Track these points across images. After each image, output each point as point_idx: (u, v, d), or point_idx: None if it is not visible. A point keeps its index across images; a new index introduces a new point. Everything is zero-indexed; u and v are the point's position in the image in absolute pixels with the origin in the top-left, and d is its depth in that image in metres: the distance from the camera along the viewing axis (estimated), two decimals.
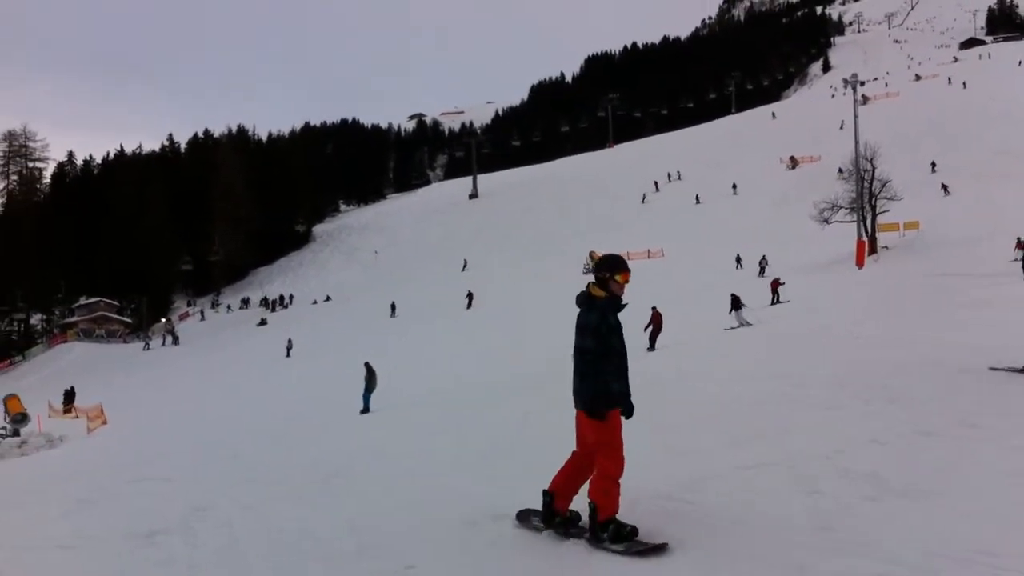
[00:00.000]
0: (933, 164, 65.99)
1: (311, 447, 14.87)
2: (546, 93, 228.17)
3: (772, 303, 34.19)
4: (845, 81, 59.58)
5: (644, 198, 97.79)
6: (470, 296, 60.38)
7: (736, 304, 29.94)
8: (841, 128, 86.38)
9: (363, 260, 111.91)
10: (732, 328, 28.05)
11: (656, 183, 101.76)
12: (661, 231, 77.16)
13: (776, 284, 35.85)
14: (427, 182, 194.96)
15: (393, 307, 67.66)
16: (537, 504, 6.60)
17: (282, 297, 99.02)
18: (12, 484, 15.78)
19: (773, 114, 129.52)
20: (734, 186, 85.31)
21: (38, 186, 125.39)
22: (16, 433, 30.20)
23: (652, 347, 26.02)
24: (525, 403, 15.27)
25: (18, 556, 8.25)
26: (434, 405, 20.16)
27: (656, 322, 26.94)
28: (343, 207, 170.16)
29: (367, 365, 25.46)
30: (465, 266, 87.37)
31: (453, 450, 11.53)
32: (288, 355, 53.71)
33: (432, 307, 63.10)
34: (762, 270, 45.26)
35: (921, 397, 9.59)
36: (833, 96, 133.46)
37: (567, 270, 70.27)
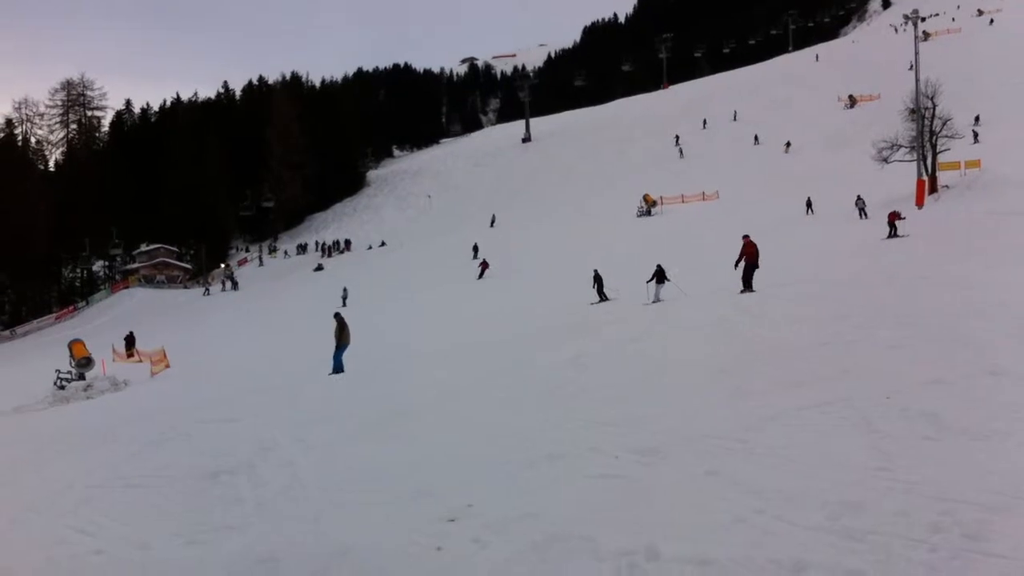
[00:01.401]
0: (977, 118, 62.90)
1: (371, 389, 15.05)
2: (599, 35, 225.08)
3: (889, 236, 31.84)
4: (905, 17, 57.97)
5: (682, 153, 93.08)
6: (484, 266, 52.98)
7: (660, 276, 27.31)
8: (910, 68, 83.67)
9: (417, 205, 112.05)
10: (654, 302, 25.58)
11: (677, 137, 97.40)
12: (717, 173, 76.28)
13: (894, 217, 32.78)
14: (479, 126, 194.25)
15: (476, 249, 63.19)
16: (589, 444, 6.58)
17: (337, 243, 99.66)
18: (80, 426, 16.19)
19: (816, 56, 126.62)
20: (787, 144, 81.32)
21: (97, 135, 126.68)
22: (82, 377, 30.88)
23: (748, 287, 22.18)
24: (578, 346, 15.30)
25: (90, 495, 8.50)
26: (491, 347, 20.25)
27: (749, 254, 22.78)
28: (396, 152, 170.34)
29: (337, 316, 22.25)
30: (494, 222, 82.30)
31: (510, 392, 11.60)
32: (344, 304, 51.14)
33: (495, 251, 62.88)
34: (862, 211, 42.97)
35: (987, 338, 9.45)
36: (897, 32, 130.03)
37: (622, 212, 69.94)
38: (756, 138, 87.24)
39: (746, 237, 23.43)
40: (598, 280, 32.13)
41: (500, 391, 11.88)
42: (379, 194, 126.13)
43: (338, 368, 20.94)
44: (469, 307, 36.78)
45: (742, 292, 21.68)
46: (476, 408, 10.68)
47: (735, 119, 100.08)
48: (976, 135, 56.02)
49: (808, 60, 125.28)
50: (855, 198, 43.40)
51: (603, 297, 31.64)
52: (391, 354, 23.40)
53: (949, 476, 5.35)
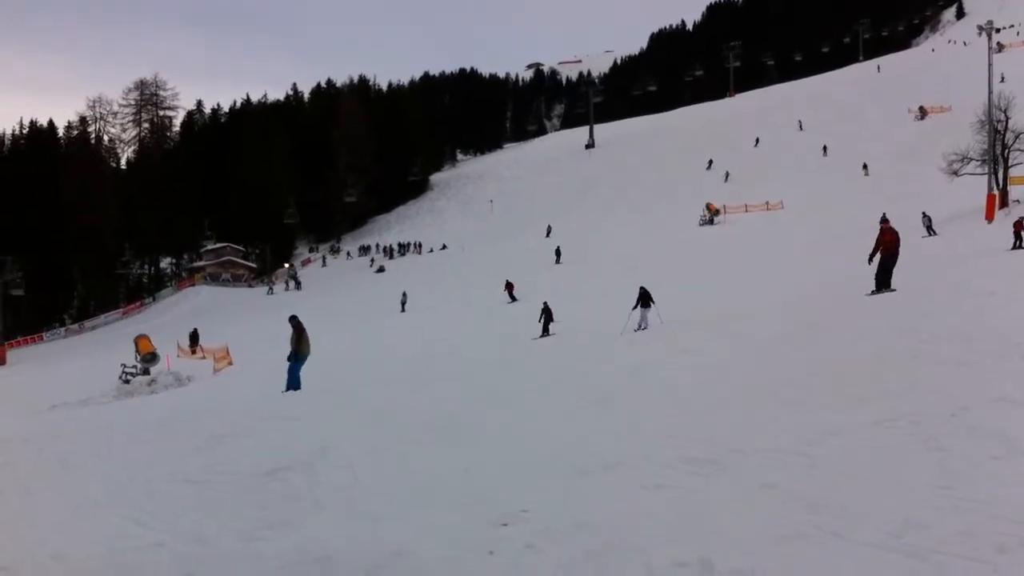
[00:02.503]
0: None
1: (427, 392, 15.11)
2: (666, 42, 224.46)
3: (1014, 247, 29.08)
4: (980, 28, 56.85)
5: (727, 177, 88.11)
6: (509, 288, 47.67)
7: (645, 300, 26.06)
8: (1003, 81, 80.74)
9: (479, 210, 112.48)
10: (637, 330, 24.43)
11: (711, 161, 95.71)
12: (783, 183, 75.53)
13: (1020, 226, 30.04)
14: (544, 131, 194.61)
15: (558, 253, 63.19)
16: (645, 454, 6.54)
17: (401, 245, 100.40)
18: (143, 421, 16.46)
19: (879, 68, 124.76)
20: (865, 166, 76.71)
21: (168, 134, 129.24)
22: (147, 372, 31.49)
23: (884, 286, 18.90)
24: (638, 355, 15.23)
25: (151, 489, 8.63)
26: (545, 355, 20.25)
27: (888, 243, 19.21)
28: (460, 156, 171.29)
29: (294, 321, 19.08)
30: (549, 232, 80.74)
31: (565, 399, 11.59)
32: (403, 310, 52.11)
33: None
34: (929, 229, 41.61)
35: None
36: (966, 44, 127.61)
37: (684, 221, 69.54)
38: (825, 149, 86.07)
39: (885, 223, 19.72)
40: (546, 312, 30.37)
41: (555, 398, 11.87)
42: (442, 198, 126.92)
43: (294, 383, 18.03)
44: (526, 314, 36.76)
45: (874, 293, 18.69)
46: (531, 415, 10.68)
47: (801, 128, 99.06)
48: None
49: (877, 70, 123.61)
50: (920, 214, 42.01)
51: (546, 332, 29.61)
52: (446, 359, 23.47)
53: (1016, 497, 5.23)
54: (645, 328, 24.47)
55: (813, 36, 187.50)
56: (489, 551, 5.55)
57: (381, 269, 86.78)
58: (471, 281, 60.23)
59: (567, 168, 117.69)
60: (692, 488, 6.33)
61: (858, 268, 21.50)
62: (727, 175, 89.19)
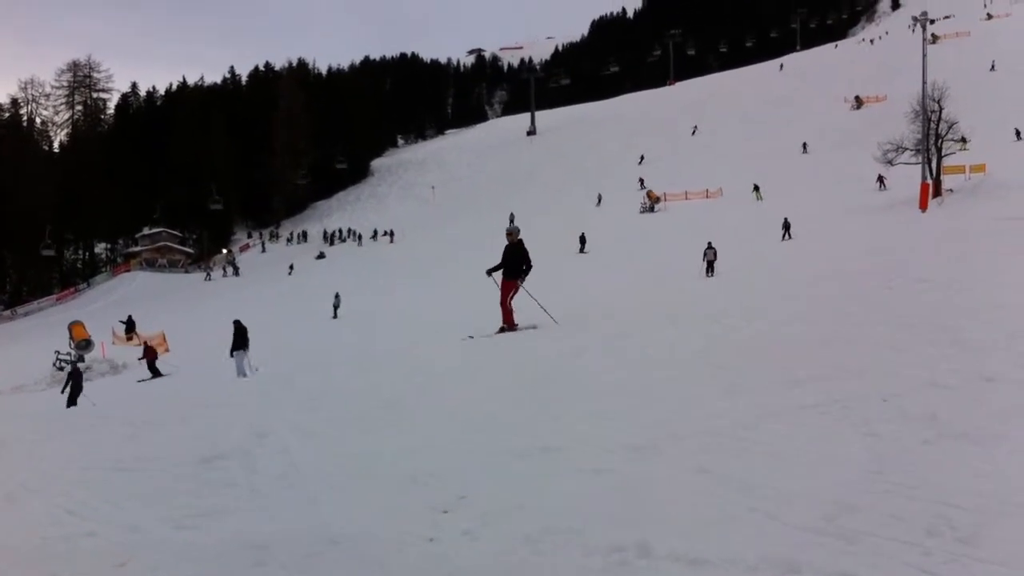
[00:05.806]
0: (1018, 132, 61.30)
1: (365, 377, 15.01)
2: (607, 29, 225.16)
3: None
4: (914, 19, 57.90)
5: (599, 200, 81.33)
6: (150, 355, 31.05)
7: (241, 340, 22.57)
8: (992, 69, 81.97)
9: (420, 196, 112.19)
10: (240, 376, 20.85)
11: (642, 156, 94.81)
12: (722, 171, 76.21)
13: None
14: (485, 118, 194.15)
15: (583, 240, 57.31)
16: (584, 436, 6.50)
17: (341, 231, 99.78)
18: (77, 408, 16.20)
19: (781, 66, 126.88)
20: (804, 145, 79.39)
21: (102, 117, 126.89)
22: (81, 359, 31.01)
23: None
24: (577, 340, 15.26)
25: (83, 477, 8.50)
26: (488, 338, 20.21)
27: None
28: (401, 142, 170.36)
29: None
30: (512, 220, 73.84)
31: (506, 382, 11.56)
32: (335, 315, 44.77)
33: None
34: (787, 231, 41.83)
35: (984, 341, 9.41)
36: (910, 28, 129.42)
37: (625, 208, 69.93)
38: (806, 146, 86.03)
39: None
40: (148, 353, 24.73)
41: (496, 381, 11.84)
42: (383, 183, 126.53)
43: None
44: (472, 299, 36.73)
45: None
46: (471, 398, 10.63)
47: (736, 119, 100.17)
48: (1019, 133, 55.75)
49: (815, 59, 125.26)
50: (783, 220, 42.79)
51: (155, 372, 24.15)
52: (381, 345, 23.35)
53: (945, 480, 5.32)
54: (245, 376, 20.70)
55: (753, 25, 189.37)
56: (429, 538, 5.54)
57: (321, 255, 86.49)
58: (425, 273, 59.88)
59: (509, 155, 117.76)
60: (630, 472, 6.36)
61: (795, 250, 21.81)
62: (641, 158, 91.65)
